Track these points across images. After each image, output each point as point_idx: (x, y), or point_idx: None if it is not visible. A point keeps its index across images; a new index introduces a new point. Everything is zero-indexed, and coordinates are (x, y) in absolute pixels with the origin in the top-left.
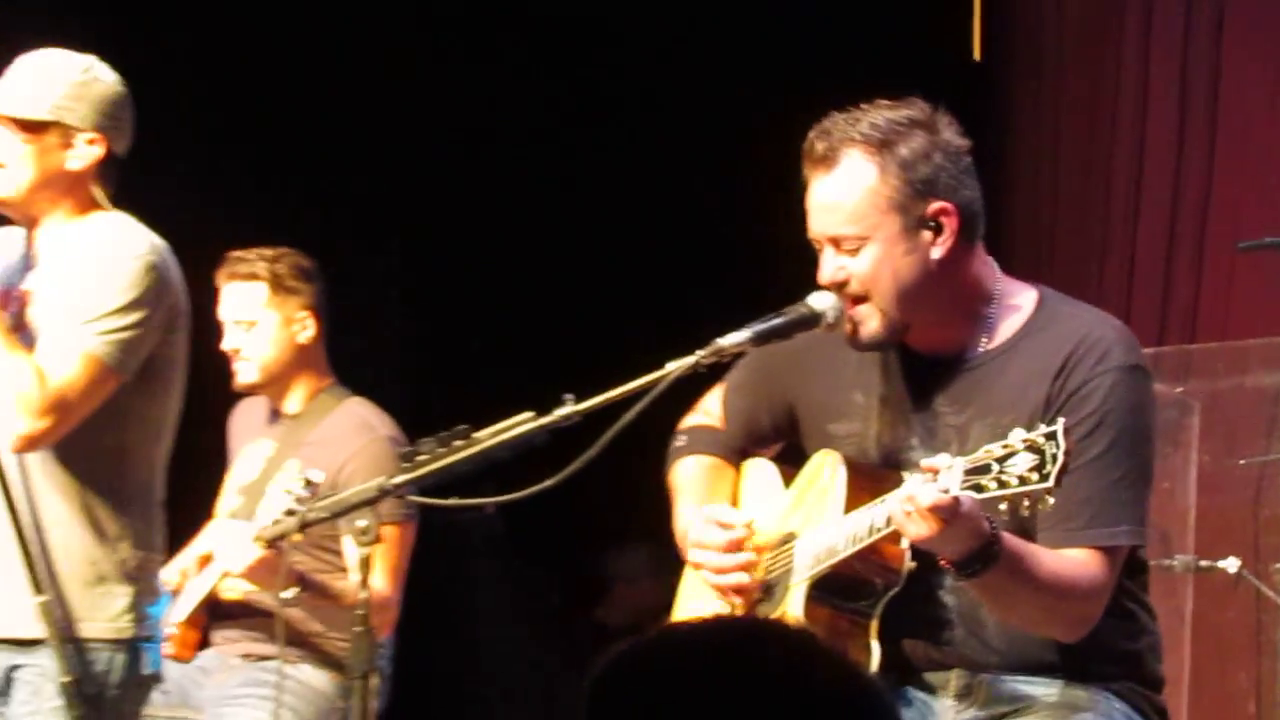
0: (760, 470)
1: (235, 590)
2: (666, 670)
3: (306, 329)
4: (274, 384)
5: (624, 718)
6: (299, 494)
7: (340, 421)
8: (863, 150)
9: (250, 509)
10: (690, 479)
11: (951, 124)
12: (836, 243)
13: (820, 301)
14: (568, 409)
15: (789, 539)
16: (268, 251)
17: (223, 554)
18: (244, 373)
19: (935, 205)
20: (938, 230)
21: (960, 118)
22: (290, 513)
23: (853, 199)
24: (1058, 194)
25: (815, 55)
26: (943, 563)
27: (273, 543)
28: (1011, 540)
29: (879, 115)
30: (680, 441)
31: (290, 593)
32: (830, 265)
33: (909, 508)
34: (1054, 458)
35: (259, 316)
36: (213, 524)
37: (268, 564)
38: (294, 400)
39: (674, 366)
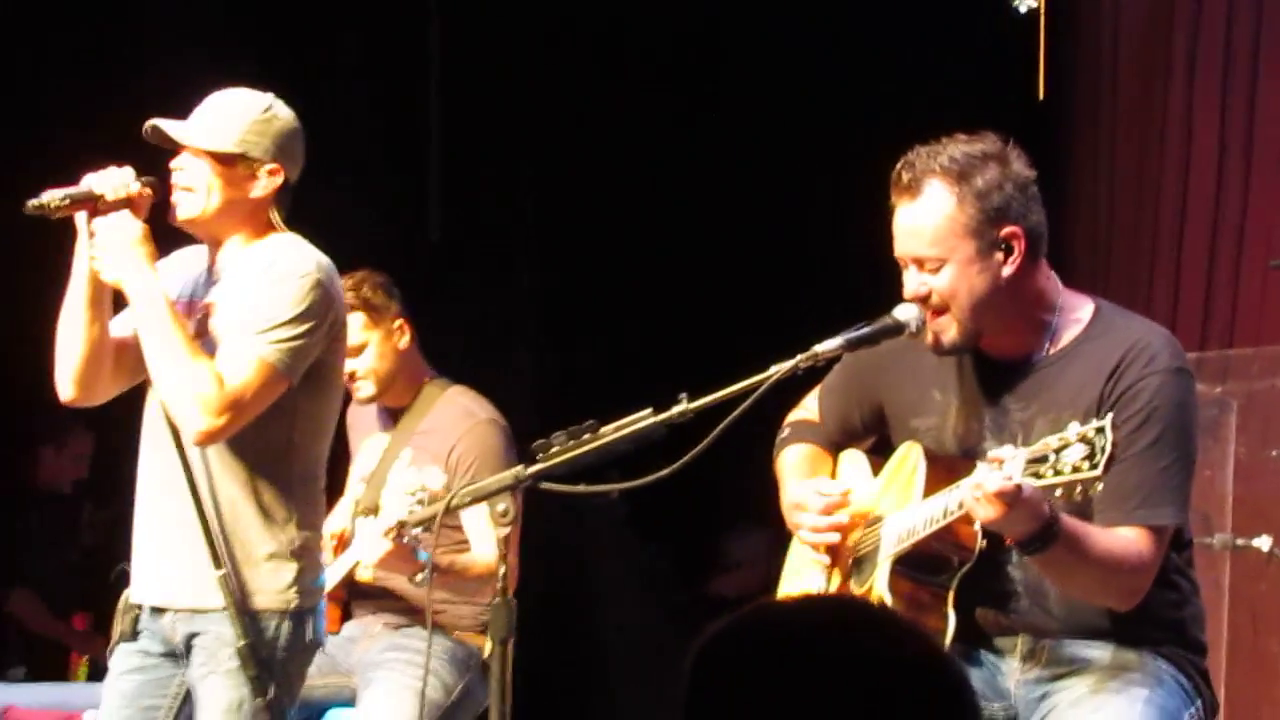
0: (853, 460)
1: (369, 573)
2: (761, 643)
3: (404, 335)
4: (387, 390)
5: (723, 685)
6: (420, 497)
7: (445, 411)
8: (943, 181)
9: (373, 495)
10: (794, 463)
11: (1021, 156)
12: (919, 262)
13: (904, 313)
14: (682, 406)
15: (877, 521)
16: (348, 281)
17: (357, 546)
18: (362, 390)
19: (1006, 229)
20: (1008, 251)
21: (1028, 149)
22: (413, 513)
23: (933, 224)
24: (1113, 217)
25: (905, 97)
26: (1009, 541)
27: (400, 534)
28: (1070, 521)
29: (957, 149)
30: (785, 433)
31: (421, 576)
32: (913, 282)
33: (978, 493)
34: (1103, 449)
35: (364, 339)
36: (340, 506)
37: (398, 554)
38: (402, 396)
39: (776, 369)
